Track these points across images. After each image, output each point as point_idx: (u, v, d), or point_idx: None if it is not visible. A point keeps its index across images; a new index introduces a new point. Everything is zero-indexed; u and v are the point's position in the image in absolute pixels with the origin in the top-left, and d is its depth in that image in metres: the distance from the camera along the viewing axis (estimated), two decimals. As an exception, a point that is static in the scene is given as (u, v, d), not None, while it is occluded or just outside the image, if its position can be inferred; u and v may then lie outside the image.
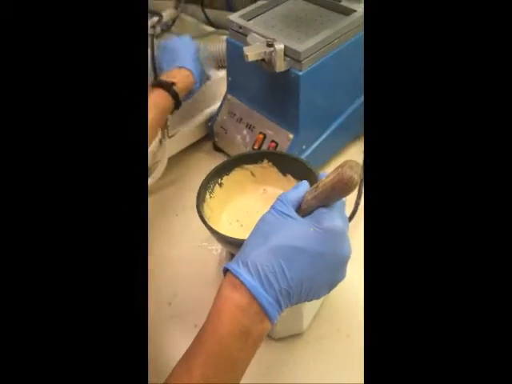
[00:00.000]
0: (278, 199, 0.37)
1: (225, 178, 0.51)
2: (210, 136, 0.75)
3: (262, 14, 0.64)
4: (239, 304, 0.32)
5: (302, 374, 0.49)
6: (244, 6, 0.65)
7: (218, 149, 0.75)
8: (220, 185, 0.51)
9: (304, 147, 0.64)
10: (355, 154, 0.72)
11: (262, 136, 0.65)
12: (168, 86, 0.58)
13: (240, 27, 0.60)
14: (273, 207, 0.36)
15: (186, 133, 0.73)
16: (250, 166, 0.51)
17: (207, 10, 0.92)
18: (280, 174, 0.51)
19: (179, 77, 0.61)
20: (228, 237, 0.42)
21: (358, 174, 0.33)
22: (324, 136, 0.66)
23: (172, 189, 0.71)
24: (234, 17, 0.62)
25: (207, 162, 0.78)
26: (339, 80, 0.63)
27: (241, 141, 0.68)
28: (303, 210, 0.37)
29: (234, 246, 0.42)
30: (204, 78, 0.67)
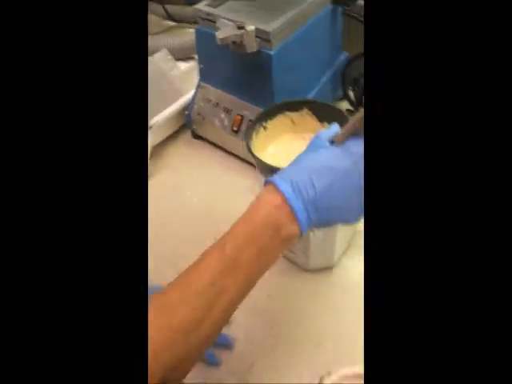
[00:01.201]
0: (314, 136, 0.42)
1: (269, 122, 0.56)
2: (188, 125, 0.77)
3: (226, 1, 0.67)
4: (273, 202, 0.37)
5: (327, 306, 0.54)
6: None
7: (197, 136, 0.78)
8: (264, 128, 0.56)
9: (280, 123, 0.68)
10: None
11: (239, 117, 0.68)
12: None
13: (208, 14, 0.63)
14: (309, 143, 0.42)
15: (163, 124, 0.75)
16: (292, 114, 0.57)
17: (167, 6, 0.94)
18: (318, 122, 0.57)
19: None
20: (272, 166, 0.47)
21: None
22: (298, 111, 0.70)
23: (153, 183, 0.70)
24: (201, 5, 0.64)
25: (187, 152, 0.80)
26: (308, 56, 0.67)
27: (219, 124, 0.71)
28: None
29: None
30: None
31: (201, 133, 0.76)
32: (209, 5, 0.65)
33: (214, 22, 0.62)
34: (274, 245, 0.37)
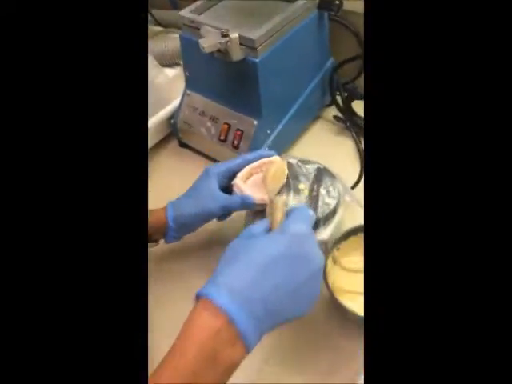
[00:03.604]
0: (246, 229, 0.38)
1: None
2: (174, 133, 0.76)
3: (211, 7, 0.66)
4: (212, 328, 0.30)
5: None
6: (187, 2, 0.66)
7: (183, 145, 0.76)
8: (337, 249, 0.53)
9: (269, 132, 0.67)
10: (317, 132, 0.76)
11: (226, 126, 0.67)
12: None
13: (192, 21, 0.62)
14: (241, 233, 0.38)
15: (149, 132, 0.73)
16: None
17: (153, 11, 0.93)
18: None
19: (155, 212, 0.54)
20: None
21: None
22: (286, 118, 0.68)
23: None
24: (185, 12, 0.63)
25: (174, 160, 0.79)
26: (295, 62, 0.65)
27: (206, 133, 0.69)
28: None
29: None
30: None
31: (187, 141, 0.75)
32: (194, 11, 0.64)
33: (198, 29, 0.60)
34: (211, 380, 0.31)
